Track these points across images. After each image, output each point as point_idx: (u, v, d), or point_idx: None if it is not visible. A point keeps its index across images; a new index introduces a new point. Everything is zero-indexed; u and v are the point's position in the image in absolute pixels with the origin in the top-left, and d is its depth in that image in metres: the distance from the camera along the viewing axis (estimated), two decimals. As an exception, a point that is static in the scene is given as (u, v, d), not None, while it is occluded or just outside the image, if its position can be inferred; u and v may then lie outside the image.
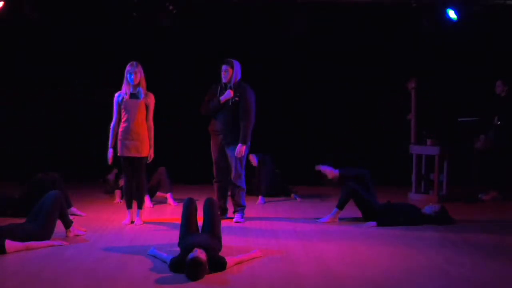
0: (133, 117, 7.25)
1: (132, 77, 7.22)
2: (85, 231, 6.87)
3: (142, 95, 7.29)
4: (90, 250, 6.15)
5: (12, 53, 10.58)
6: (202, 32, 10.62)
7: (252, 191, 9.17)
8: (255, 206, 8.83)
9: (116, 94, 7.36)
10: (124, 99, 7.28)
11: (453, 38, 10.43)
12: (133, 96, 7.28)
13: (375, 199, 7.82)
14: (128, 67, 7.26)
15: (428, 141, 9.51)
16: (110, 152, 7.33)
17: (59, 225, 6.56)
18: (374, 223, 7.47)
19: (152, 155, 7.37)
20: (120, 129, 7.29)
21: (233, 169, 7.55)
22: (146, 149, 7.33)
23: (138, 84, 7.27)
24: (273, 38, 10.59)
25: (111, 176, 9.33)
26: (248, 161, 7.76)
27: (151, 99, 7.34)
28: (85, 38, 10.53)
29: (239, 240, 6.63)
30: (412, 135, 9.82)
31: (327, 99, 10.99)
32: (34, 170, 8.26)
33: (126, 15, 9.94)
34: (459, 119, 9.75)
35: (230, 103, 7.49)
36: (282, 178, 9.71)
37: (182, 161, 10.44)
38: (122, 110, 7.29)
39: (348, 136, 10.98)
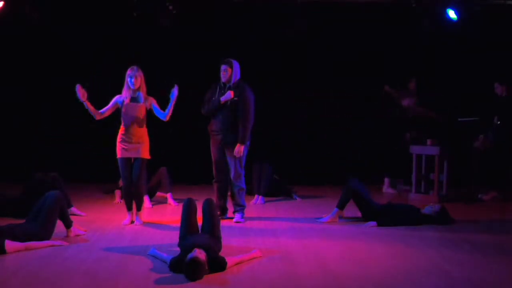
0: (134, 121, 7.27)
1: (132, 81, 7.23)
2: (85, 231, 6.87)
3: (142, 99, 7.30)
4: (90, 250, 6.15)
5: (12, 53, 10.58)
6: (202, 32, 10.62)
7: (252, 191, 9.19)
8: (255, 206, 8.84)
9: (117, 97, 7.38)
10: (125, 103, 7.29)
11: (453, 38, 10.43)
12: (133, 100, 7.30)
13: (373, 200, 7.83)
14: (128, 71, 7.27)
15: (428, 141, 9.51)
16: (83, 89, 7.14)
17: (59, 225, 6.56)
18: (374, 223, 7.47)
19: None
20: (120, 132, 7.32)
21: (232, 169, 7.55)
22: (145, 151, 7.34)
23: (138, 89, 7.29)
24: (273, 38, 10.60)
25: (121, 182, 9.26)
26: (247, 161, 7.75)
27: (152, 101, 7.36)
28: (85, 38, 10.54)
29: (239, 240, 6.63)
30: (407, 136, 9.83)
31: (326, 99, 11.00)
32: (34, 170, 8.26)
33: (126, 15, 9.93)
34: (459, 119, 9.76)
35: (229, 103, 7.49)
36: (281, 182, 9.70)
37: (182, 161, 10.44)
38: (123, 113, 7.31)
39: (347, 137, 10.99)
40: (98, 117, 7.38)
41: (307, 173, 10.82)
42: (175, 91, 7.21)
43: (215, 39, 10.48)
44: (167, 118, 7.34)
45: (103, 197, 9.31)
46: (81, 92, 7.13)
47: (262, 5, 10.30)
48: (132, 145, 7.27)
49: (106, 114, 7.39)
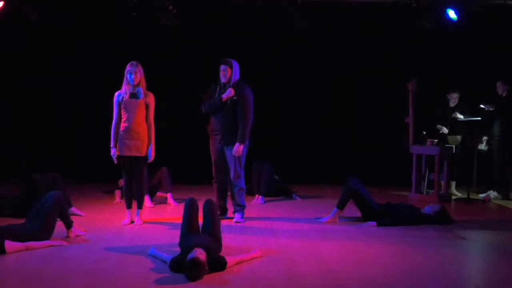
0: (133, 117, 7.25)
1: (132, 76, 7.21)
2: (85, 231, 6.87)
3: (142, 95, 7.28)
4: (90, 250, 6.15)
5: (13, 53, 10.58)
6: (202, 32, 10.63)
7: (252, 191, 9.19)
8: (255, 206, 8.84)
9: (116, 94, 7.36)
10: (124, 99, 7.28)
11: (453, 38, 10.44)
12: (133, 95, 7.28)
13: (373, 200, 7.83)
14: (128, 67, 7.25)
15: (428, 141, 9.51)
16: (113, 151, 7.31)
17: (59, 225, 6.55)
18: (374, 223, 7.47)
19: (153, 155, 7.36)
20: (121, 129, 7.29)
21: (232, 169, 7.54)
22: (146, 148, 7.33)
23: (138, 84, 7.27)
24: (273, 38, 10.61)
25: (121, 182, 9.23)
26: (247, 161, 7.74)
27: (151, 99, 7.34)
28: (85, 38, 10.54)
29: (239, 240, 6.63)
30: (410, 137, 9.82)
31: (326, 99, 11.01)
32: (34, 170, 8.26)
33: (126, 15, 9.94)
34: (459, 119, 9.76)
35: (228, 103, 7.48)
36: (281, 182, 9.71)
37: (182, 161, 10.44)
38: (122, 110, 7.29)
39: (348, 136, 11.00)
40: (121, 127, 7.30)
41: (307, 173, 10.83)
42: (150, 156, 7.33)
43: (215, 39, 10.49)
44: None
45: (103, 197, 9.31)
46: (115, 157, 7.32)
47: (262, 5, 10.30)
48: (133, 142, 7.26)
49: (121, 118, 7.34)
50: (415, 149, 9.66)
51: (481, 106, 9.64)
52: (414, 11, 9.92)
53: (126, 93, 7.29)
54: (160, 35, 10.43)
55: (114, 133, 7.32)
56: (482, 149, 9.84)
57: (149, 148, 7.33)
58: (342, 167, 10.39)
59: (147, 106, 7.31)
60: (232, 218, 7.66)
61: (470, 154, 9.80)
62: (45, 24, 10.20)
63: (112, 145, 7.31)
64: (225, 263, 5.43)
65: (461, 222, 7.74)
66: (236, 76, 7.55)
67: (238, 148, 7.43)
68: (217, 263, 5.39)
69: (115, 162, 7.38)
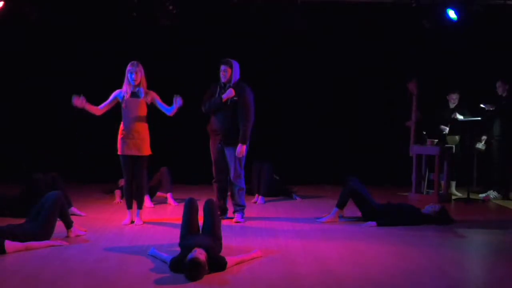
0: (134, 116, 7.25)
1: (133, 76, 7.22)
2: (85, 231, 6.87)
3: (143, 94, 7.29)
4: (90, 250, 6.15)
5: (12, 52, 10.58)
6: (202, 32, 10.62)
7: (252, 191, 9.18)
8: (255, 206, 8.83)
9: (117, 91, 7.36)
10: (125, 98, 7.28)
11: (453, 38, 10.44)
12: (134, 95, 7.29)
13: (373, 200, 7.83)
14: (129, 67, 7.26)
15: (428, 141, 9.51)
16: (80, 98, 7.15)
17: (59, 225, 6.56)
18: (374, 223, 7.47)
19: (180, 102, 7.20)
20: (121, 128, 7.29)
21: (232, 169, 7.54)
22: (146, 148, 7.33)
23: (139, 84, 7.27)
24: (273, 38, 10.61)
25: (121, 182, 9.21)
26: (247, 161, 7.74)
27: (153, 95, 7.33)
28: (85, 38, 10.54)
29: (239, 240, 6.63)
30: (411, 141, 9.82)
31: (326, 99, 11.00)
32: (34, 170, 8.26)
33: (126, 15, 9.94)
34: (459, 119, 9.76)
35: (229, 103, 7.48)
36: (281, 182, 9.71)
37: (182, 161, 10.44)
38: (123, 109, 7.29)
39: (347, 137, 10.99)
40: (98, 113, 7.39)
41: (307, 173, 10.83)
42: (178, 100, 7.17)
43: (215, 39, 10.48)
44: (172, 113, 7.32)
45: (103, 197, 9.31)
46: (78, 102, 7.12)
47: (262, 5, 10.30)
48: (133, 141, 7.25)
49: (106, 109, 7.38)
50: (415, 149, 9.66)
51: (481, 106, 9.64)
52: (414, 11, 9.92)
53: (127, 93, 7.29)
54: (160, 35, 10.43)
55: (92, 106, 7.28)
56: (479, 148, 9.84)
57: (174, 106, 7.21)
58: (342, 167, 10.39)
59: (150, 104, 7.31)
60: (232, 218, 7.66)
61: (469, 154, 9.80)
62: (45, 24, 10.21)
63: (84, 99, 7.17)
64: (225, 263, 5.43)
65: (461, 222, 7.74)
66: (236, 76, 7.55)
67: (242, 149, 7.43)
68: (217, 263, 5.39)
69: (75, 103, 7.17)
